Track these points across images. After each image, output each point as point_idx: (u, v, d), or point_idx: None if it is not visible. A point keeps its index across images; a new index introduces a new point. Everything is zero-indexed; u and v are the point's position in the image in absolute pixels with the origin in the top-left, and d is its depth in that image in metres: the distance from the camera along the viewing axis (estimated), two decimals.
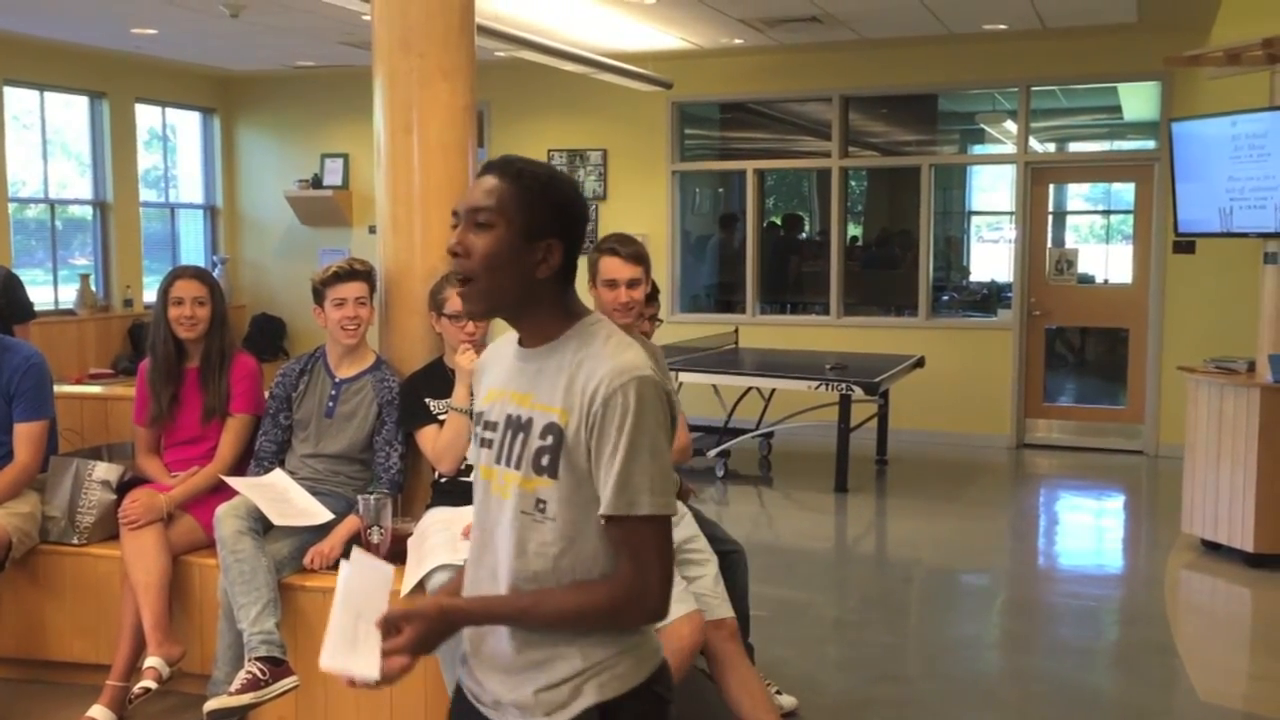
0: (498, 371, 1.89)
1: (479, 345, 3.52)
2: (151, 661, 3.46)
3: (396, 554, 3.47)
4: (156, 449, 3.94)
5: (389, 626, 1.72)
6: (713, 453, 7.79)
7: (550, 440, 1.74)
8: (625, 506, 1.70)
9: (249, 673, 3.22)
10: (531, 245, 1.76)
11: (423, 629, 1.72)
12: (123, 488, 3.85)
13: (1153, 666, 4.59)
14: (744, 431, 8.12)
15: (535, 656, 1.77)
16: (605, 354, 1.75)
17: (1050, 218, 9.39)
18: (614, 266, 3.40)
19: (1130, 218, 9.14)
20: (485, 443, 1.85)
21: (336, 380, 3.76)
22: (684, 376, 7.44)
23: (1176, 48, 6.78)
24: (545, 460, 1.74)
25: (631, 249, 3.43)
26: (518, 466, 1.78)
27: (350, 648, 1.74)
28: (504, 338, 1.92)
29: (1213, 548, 6.01)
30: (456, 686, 1.93)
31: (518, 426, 1.79)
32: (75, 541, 3.86)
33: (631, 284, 3.41)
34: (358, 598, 1.78)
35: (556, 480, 1.74)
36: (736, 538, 3.94)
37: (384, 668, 1.71)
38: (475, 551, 1.88)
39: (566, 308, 1.82)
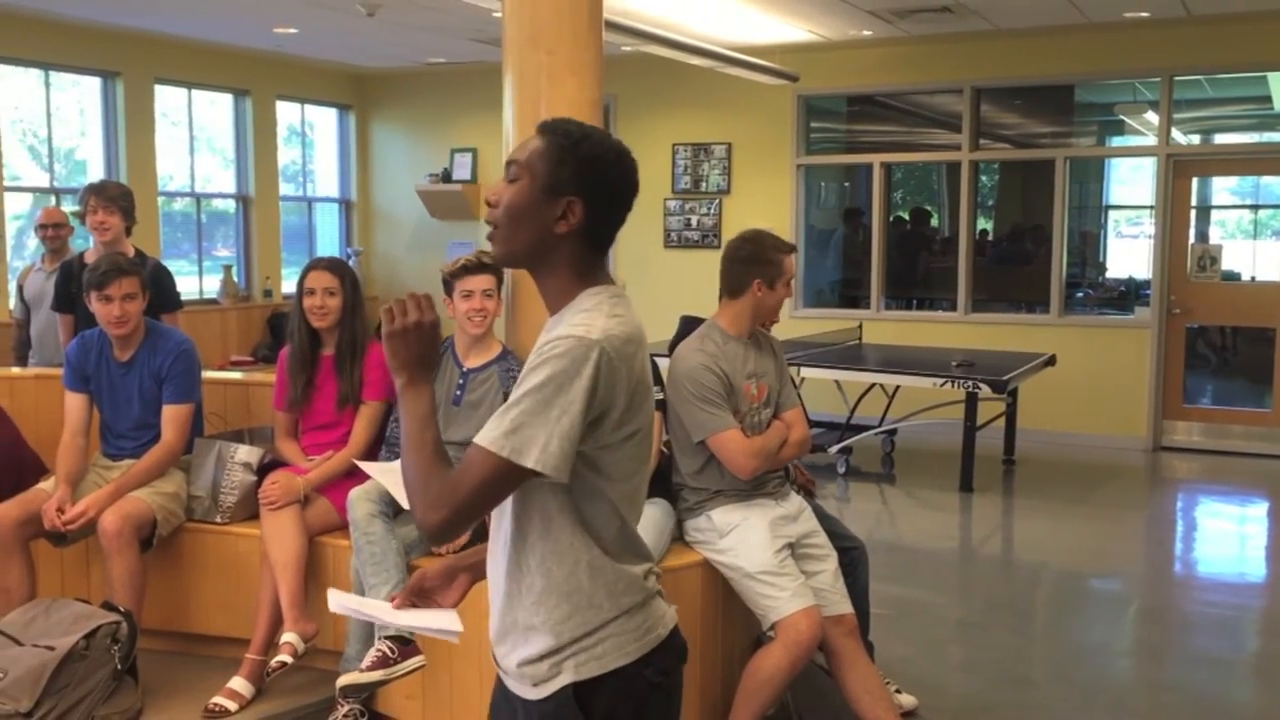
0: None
1: None
2: (287, 637, 3.60)
3: None
4: (294, 433, 4.10)
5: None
6: (835, 449, 7.73)
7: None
8: (480, 438, 1.70)
9: (379, 651, 3.33)
10: (552, 200, 1.78)
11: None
12: (262, 470, 4.01)
13: None
14: (867, 428, 8.03)
15: (513, 622, 1.82)
16: (574, 319, 1.75)
17: (1193, 212, 9.04)
18: (791, 265, 3.57)
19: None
20: None
21: (464, 370, 3.84)
22: (806, 372, 7.38)
23: None
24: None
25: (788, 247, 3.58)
26: None
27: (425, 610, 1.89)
28: None
29: None
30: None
31: None
32: (218, 520, 4.03)
33: (788, 283, 3.56)
34: None
35: None
36: (857, 535, 3.91)
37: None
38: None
39: (583, 273, 1.82)
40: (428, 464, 1.74)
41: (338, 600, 1.98)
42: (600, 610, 1.80)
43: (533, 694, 1.82)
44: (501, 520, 1.85)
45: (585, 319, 1.75)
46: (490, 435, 1.69)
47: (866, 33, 8.81)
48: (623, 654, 1.81)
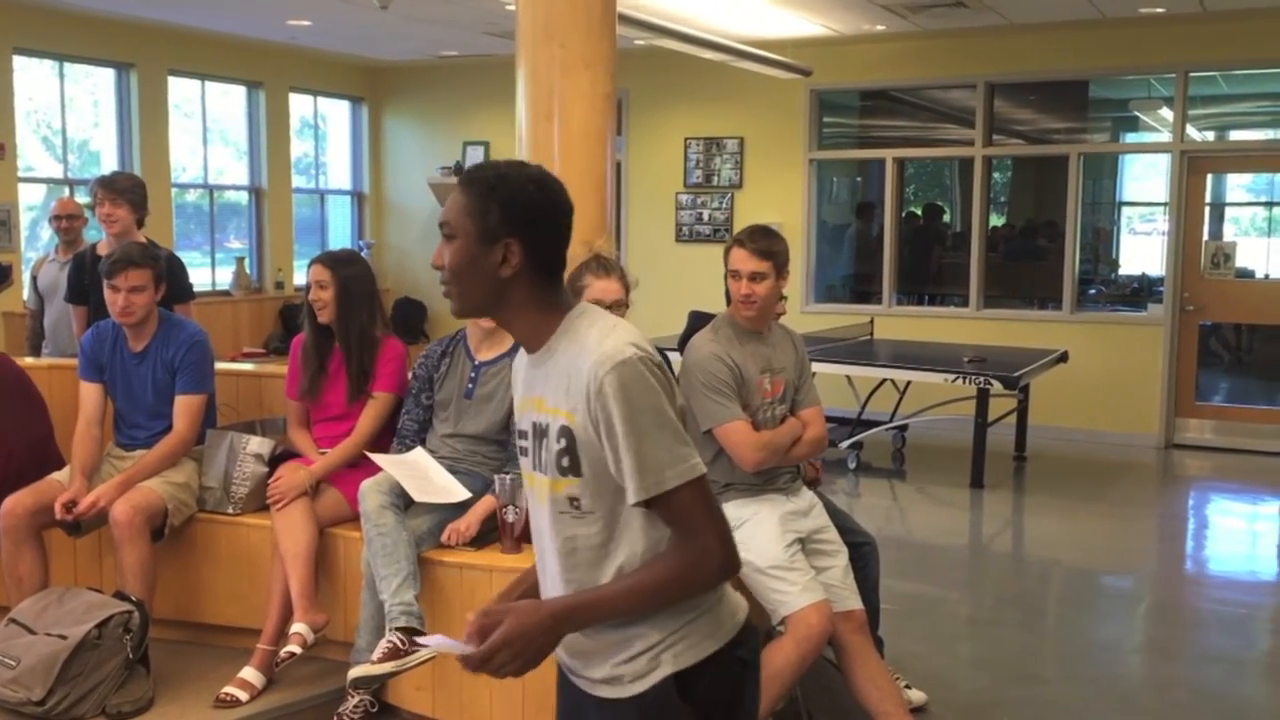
0: (519, 381, 1.95)
1: None
2: (297, 628, 3.62)
3: (529, 533, 3.54)
4: (306, 423, 4.10)
5: (483, 623, 1.77)
6: (845, 444, 7.72)
7: (565, 443, 1.79)
8: (653, 487, 1.73)
9: (389, 642, 3.34)
10: (489, 248, 1.79)
11: (513, 623, 1.74)
12: (274, 461, 4.02)
13: None
14: (878, 424, 8.02)
15: (612, 636, 1.83)
16: (589, 347, 1.78)
17: (1207, 209, 9.00)
18: (738, 258, 3.44)
19: None
20: (524, 451, 1.92)
21: (476, 363, 3.85)
22: (817, 366, 7.34)
23: None
24: (566, 461, 1.80)
25: (760, 244, 3.44)
26: (546, 471, 1.84)
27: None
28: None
29: None
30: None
31: (540, 432, 1.85)
32: (230, 511, 4.04)
33: (754, 277, 3.42)
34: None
35: (582, 477, 1.80)
36: (868, 530, 3.91)
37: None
38: (536, 554, 1.96)
39: (552, 304, 1.84)
40: (666, 581, 1.77)
41: (429, 641, 1.90)
42: (693, 600, 1.83)
43: (628, 691, 1.84)
44: (560, 554, 1.84)
45: (597, 343, 1.77)
46: (659, 478, 1.73)
47: (880, 27, 8.79)
48: (716, 638, 1.85)
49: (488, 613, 1.78)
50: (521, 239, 1.80)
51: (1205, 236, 8.82)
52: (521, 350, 1.94)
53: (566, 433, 1.79)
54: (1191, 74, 8.56)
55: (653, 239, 10.05)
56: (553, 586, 1.89)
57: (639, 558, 1.81)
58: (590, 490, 1.80)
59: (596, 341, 1.78)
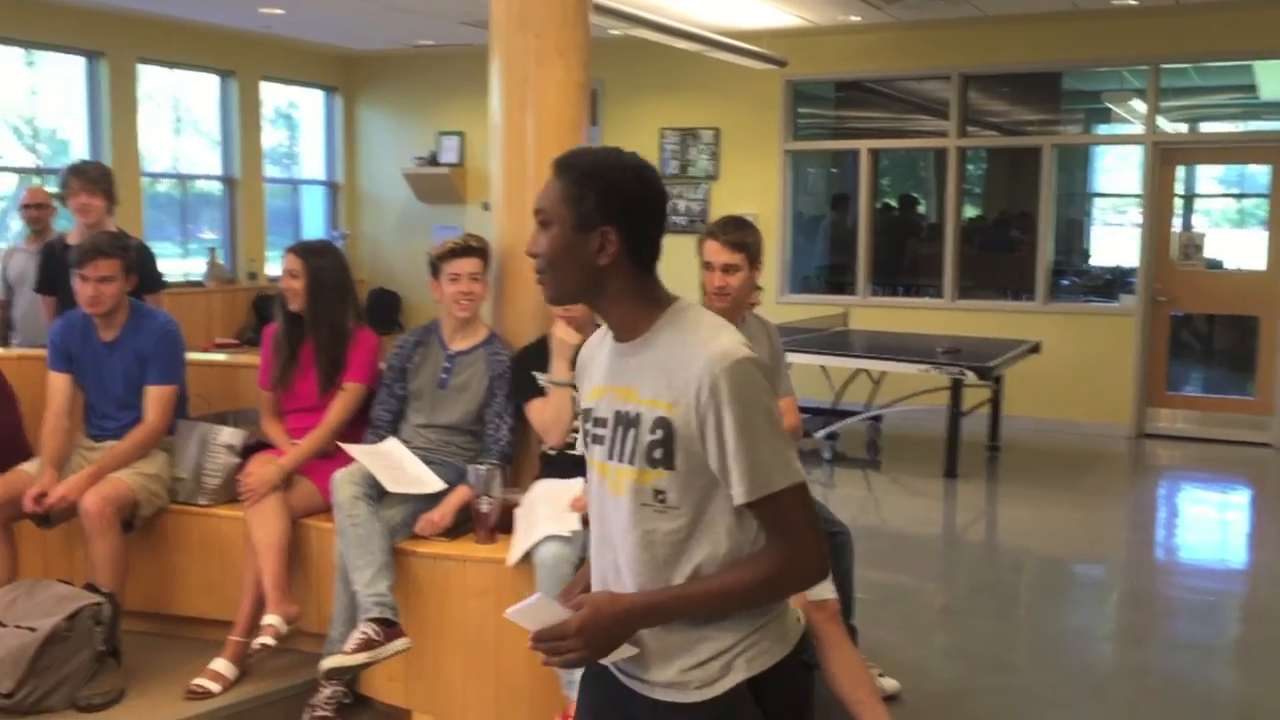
0: (598, 367, 1.91)
1: (582, 323, 3.57)
2: (270, 619, 3.59)
3: (504, 524, 3.54)
4: (279, 414, 4.07)
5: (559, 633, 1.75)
6: (820, 434, 7.74)
7: (661, 434, 1.76)
8: (763, 487, 1.72)
9: (363, 633, 3.32)
10: (586, 236, 1.77)
11: (591, 611, 1.74)
12: (246, 452, 3.99)
13: (1273, 665, 4.44)
14: (852, 414, 8.05)
15: (680, 640, 1.80)
16: (699, 341, 1.76)
17: (1179, 201, 9.06)
18: (711, 250, 3.45)
19: (1265, 201, 8.76)
20: (596, 439, 1.87)
21: (450, 353, 3.83)
22: (792, 357, 7.38)
23: None
24: (659, 454, 1.77)
25: (732, 236, 3.45)
26: (631, 461, 1.80)
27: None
28: (598, 333, 1.95)
29: None
30: None
31: (627, 422, 1.81)
32: (202, 502, 4.01)
33: (726, 269, 3.43)
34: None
35: (674, 470, 1.77)
36: (842, 520, 3.92)
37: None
38: (596, 546, 1.91)
39: (649, 295, 1.83)
40: (760, 583, 1.77)
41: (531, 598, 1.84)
42: (771, 604, 1.83)
43: (694, 697, 1.80)
44: (636, 547, 1.81)
45: (709, 339, 1.76)
46: (768, 478, 1.72)
47: (855, 18, 8.80)
48: (785, 643, 1.84)
49: (567, 593, 1.80)
50: (619, 226, 1.77)
51: (1176, 228, 8.88)
52: (600, 337, 1.93)
53: (664, 424, 1.76)
54: (1163, 66, 8.62)
55: None
56: (617, 579, 1.85)
57: (719, 560, 1.78)
58: (679, 485, 1.77)
59: (708, 338, 1.76)
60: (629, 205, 1.79)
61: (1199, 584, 5.55)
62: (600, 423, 1.86)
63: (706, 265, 3.47)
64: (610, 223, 1.77)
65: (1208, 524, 6.97)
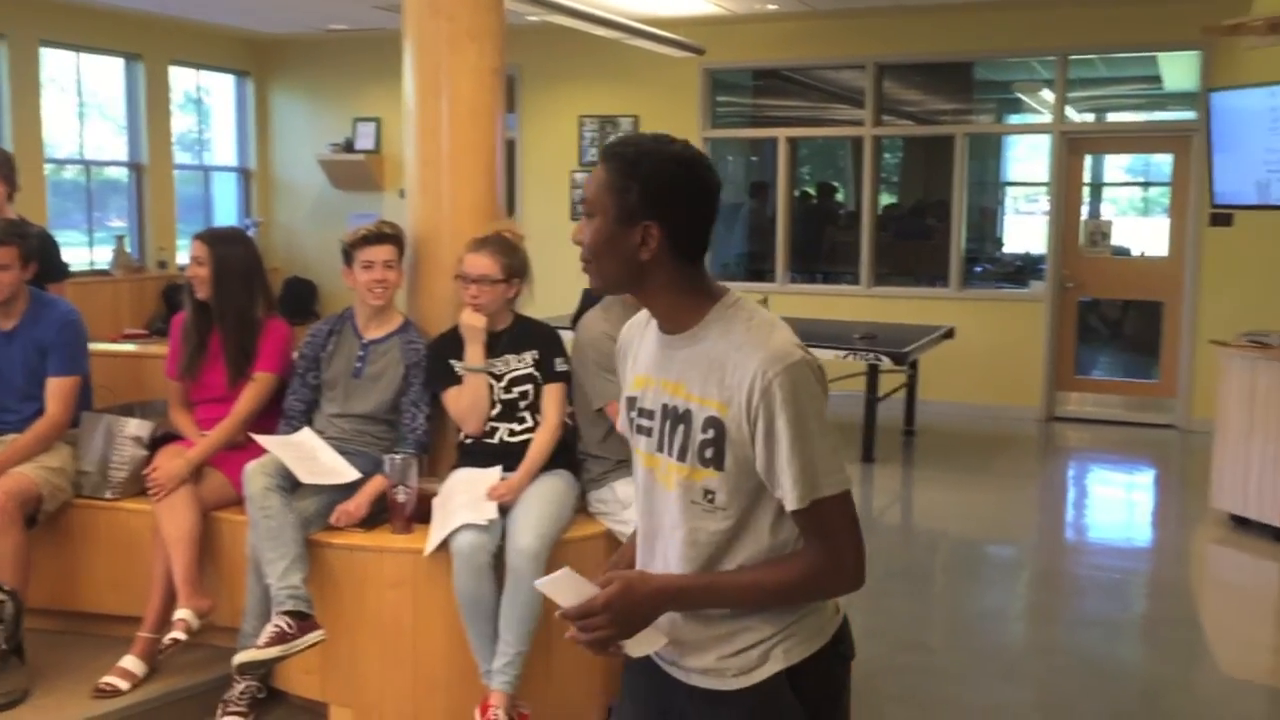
0: (642, 355, 1.89)
1: (489, 308, 3.57)
2: (182, 614, 3.52)
3: (421, 514, 3.51)
4: (188, 404, 3.98)
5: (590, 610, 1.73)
6: None
7: (712, 434, 1.74)
8: (810, 494, 1.71)
9: (276, 626, 3.27)
10: (628, 229, 1.74)
11: (621, 587, 1.72)
12: (154, 444, 3.90)
13: (1177, 640, 4.58)
14: None
15: (718, 631, 1.80)
16: (753, 341, 1.73)
17: (1087, 189, 9.28)
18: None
19: (1169, 189, 9.02)
20: (643, 430, 1.86)
21: (364, 341, 3.78)
22: None
23: (1217, 16, 6.67)
24: (710, 453, 1.75)
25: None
26: (682, 458, 1.79)
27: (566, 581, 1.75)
28: (639, 316, 1.93)
29: (1241, 523, 5.97)
30: None
31: (676, 417, 1.79)
32: (108, 496, 3.91)
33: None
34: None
35: (723, 471, 1.75)
36: None
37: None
38: (644, 537, 1.90)
39: (697, 288, 1.79)
40: (793, 583, 1.76)
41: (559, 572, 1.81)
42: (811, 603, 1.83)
43: (732, 685, 1.80)
44: (682, 543, 1.80)
45: (763, 339, 1.73)
46: (816, 484, 1.70)
47: (771, 7, 8.85)
48: (823, 634, 1.83)
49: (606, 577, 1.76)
50: (661, 221, 1.73)
51: (1084, 215, 9.10)
52: (643, 321, 1.90)
53: (716, 424, 1.74)
54: (1071, 57, 8.81)
55: (549, 217, 9.99)
56: (662, 570, 1.84)
57: (760, 558, 1.78)
58: (729, 486, 1.76)
59: (761, 338, 1.73)
60: (674, 199, 1.74)
61: (1106, 562, 5.70)
62: (647, 414, 1.85)
63: None
64: (653, 217, 1.73)
65: (1114, 504, 7.17)
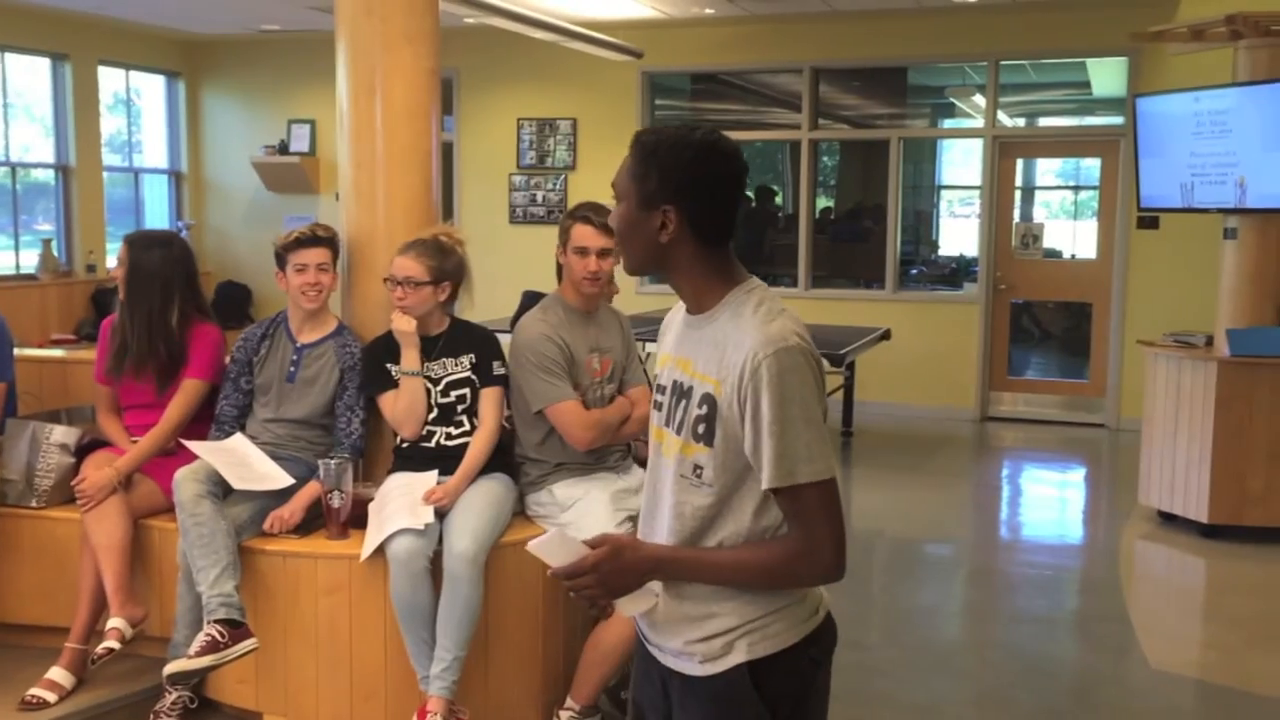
0: (670, 337, 1.98)
1: (418, 311, 3.54)
2: (114, 623, 3.45)
3: (358, 519, 3.48)
4: (117, 410, 3.91)
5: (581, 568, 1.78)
6: None
7: (706, 410, 1.81)
8: (785, 477, 1.74)
9: (208, 635, 3.22)
10: (649, 214, 1.82)
11: (609, 550, 1.78)
12: (81, 451, 3.82)
13: (1107, 635, 4.67)
14: None
15: (690, 612, 1.85)
16: (753, 325, 1.79)
17: (1018, 193, 9.44)
18: (585, 235, 3.44)
19: (1097, 193, 9.20)
20: (657, 405, 1.94)
21: (298, 345, 3.74)
22: (652, 347, 7.43)
23: (1143, 23, 6.83)
24: (702, 429, 1.81)
25: (605, 218, 3.43)
26: (679, 431, 1.86)
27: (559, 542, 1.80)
28: (680, 303, 1.99)
29: (1169, 519, 6.11)
30: None
31: (681, 392, 1.87)
32: (34, 504, 3.83)
33: (602, 254, 3.44)
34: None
35: (712, 448, 1.81)
36: None
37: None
38: (647, 507, 1.97)
39: (719, 271, 1.86)
40: (772, 566, 1.79)
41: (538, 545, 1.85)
42: (781, 590, 1.84)
43: (699, 670, 1.85)
44: (670, 515, 1.86)
45: (762, 323, 1.78)
46: (793, 468, 1.73)
47: (709, 11, 8.89)
48: (794, 633, 1.86)
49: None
50: (679, 205, 1.81)
51: (1016, 218, 9.25)
52: (679, 306, 1.96)
53: (710, 401, 1.80)
54: (1002, 62, 8.95)
55: (487, 220, 9.95)
56: (658, 539, 1.90)
57: (740, 539, 1.82)
58: (716, 463, 1.81)
59: (762, 322, 1.78)
60: (690, 185, 1.81)
61: (1039, 559, 5.80)
62: (661, 389, 1.94)
63: (579, 250, 3.45)
64: (670, 202, 1.81)
65: (1047, 502, 7.29)
